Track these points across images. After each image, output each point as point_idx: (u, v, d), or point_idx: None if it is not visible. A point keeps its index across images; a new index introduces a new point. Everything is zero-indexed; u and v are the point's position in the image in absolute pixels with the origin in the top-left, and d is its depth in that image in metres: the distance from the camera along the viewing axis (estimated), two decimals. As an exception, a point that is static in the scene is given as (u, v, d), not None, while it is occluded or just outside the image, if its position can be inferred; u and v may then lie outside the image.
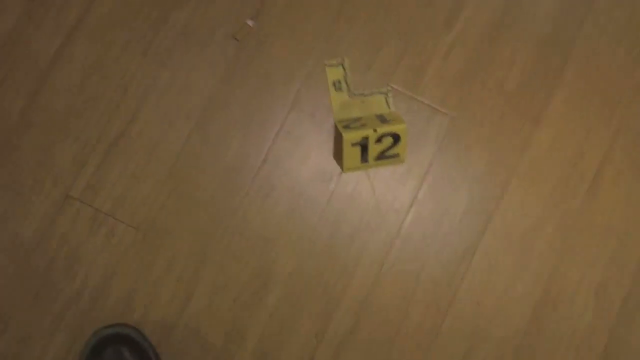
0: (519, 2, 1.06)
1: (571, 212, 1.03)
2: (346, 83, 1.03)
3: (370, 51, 1.04)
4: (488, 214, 1.03)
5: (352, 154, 0.95)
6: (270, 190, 1.02)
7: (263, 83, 1.02)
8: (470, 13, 1.05)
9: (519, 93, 1.04)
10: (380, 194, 1.03)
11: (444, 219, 1.03)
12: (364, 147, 0.95)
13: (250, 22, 1.02)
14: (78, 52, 1.02)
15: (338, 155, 1.00)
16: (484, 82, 1.04)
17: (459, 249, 1.02)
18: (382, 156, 0.97)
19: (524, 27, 1.05)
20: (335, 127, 1.01)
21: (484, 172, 1.03)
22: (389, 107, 1.03)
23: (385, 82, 1.03)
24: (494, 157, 1.03)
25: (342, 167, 0.97)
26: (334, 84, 1.03)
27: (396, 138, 0.95)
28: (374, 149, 0.96)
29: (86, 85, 1.02)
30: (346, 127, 0.96)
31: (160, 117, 1.02)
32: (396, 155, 0.97)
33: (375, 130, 0.94)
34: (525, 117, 1.04)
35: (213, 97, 1.02)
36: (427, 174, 1.03)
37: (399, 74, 1.04)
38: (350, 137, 0.94)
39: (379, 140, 0.95)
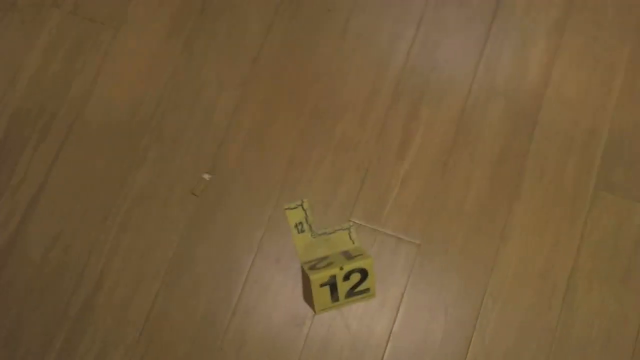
0: (466, 126, 1.09)
1: (550, 327, 1.03)
2: (308, 224, 1.04)
3: (328, 189, 1.06)
4: (467, 338, 1.02)
5: (321, 294, 0.95)
6: (243, 343, 1.00)
7: (225, 234, 1.03)
8: (421, 141, 1.08)
9: (480, 212, 1.06)
10: (355, 331, 1.02)
11: (423, 349, 1.02)
12: (332, 286, 0.95)
13: (206, 176, 1.04)
14: (36, 229, 1.03)
15: (308, 297, 1.00)
16: (444, 206, 1.06)
17: (442, 378, 1.01)
18: (352, 293, 0.97)
19: (474, 148, 1.08)
20: (302, 269, 1.01)
21: (457, 296, 1.03)
22: (353, 242, 1.04)
23: (347, 218, 1.05)
24: (465, 279, 1.04)
25: (313, 309, 0.96)
26: (296, 227, 1.04)
27: (364, 273, 0.96)
28: (343, 287, 0.96)
29: (47, 259, 1.02)
30: (312, 267, 0.97)
31: (126, 280, 1.01)
32: (366, 290, 0.97)
33: (341, 268, 0.95)
34: (489, 235, 1.05)
35: (177, 255, 1.02)
36: (400, 305, 1.03)
37: (359, 208, 1.05)
38: (318, 277, 0.94)
39: (346, 277, 0.95)
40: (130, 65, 1.09)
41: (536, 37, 1.12)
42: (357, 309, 1.03)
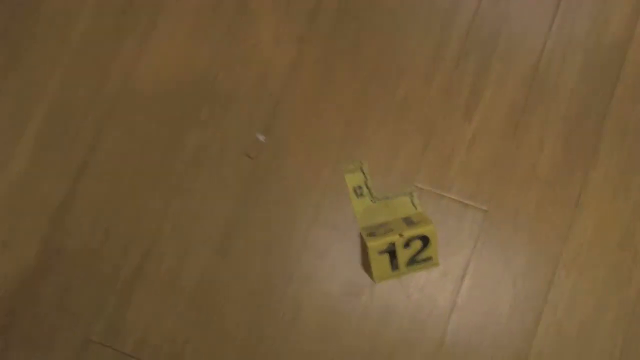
0: (540, 83, 1.02)
1: (629, 301, 0.96)
2: (367, 188, 0.99)
3: (389, 151, 1.00)
4: (537, 311, 0.96)
5: (380, 262, 0.91)
6: (299, 310, 0.97)
7: (281, 198, 0.99)
8: (490, 100, 1.01)
9: (553, 177, 0.99)
10: (416, 302, 0.97)
11: (489, 323, 0.96)
12: (392, 253, 0.91)
13: (261, 137, 1.00)
14: (87, 192, 1.01)
15: (367, 266, 0.95)
16: (514, 169, 0.99)
17: (508, 353, 0.95)
18: (413, 261, 0.92)
19: (548, 107, 1.01)
20: (361, 236, 0.96)
21: (526, 266, 0.97)
22: (416, 208, 0.98)
23: (409, 182, 0.99)
24: (535, 248, 0.97)
25: (372, 278, 0.92)
26: (354, 191, 0.99)
27: (425, 241, 0.91)
28: (403, 255, 0.91)
29: (98, 223, 1.00)
30: (371, 234, 0.92)
31: (177, 246, 0.99)
32: (429, 259, 0.92)
33: (401, 235, 0.89)
34: (563, 201, 0.98)
35: (230, 220, 0.99)
36: (465, 275, 0.97)
37: (423, 172, 1.00)
38: (376, 245, 0.90)
39: (407, 245, 0.90)
40: (183, 23, 1.05)
41: (619, -14, 1.03)
42: (418, 278, 0.98)
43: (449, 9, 1.04)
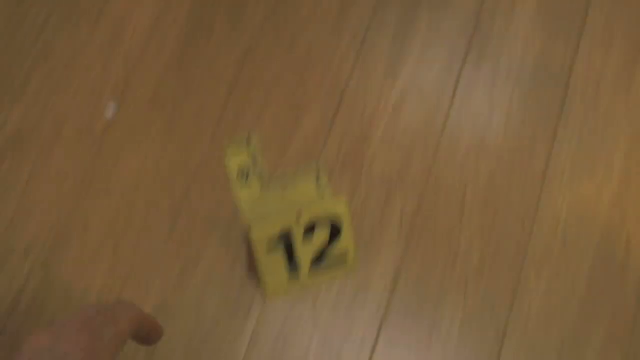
0: (482, 33, 0.78)
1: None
2: (257, 169, 0.72)
3: (287, 121, 0.75)
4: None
5: (272, 266, 0.63)
6: (152, 351, 0.69)
7: (130, 187, 0.73)
8: (418, 52, 0.78)
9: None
10: (324, 329, 0.70)
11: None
12: (288, 249, 0.63)
13: (112, 108, 0.74)
14: None
15: (255, 275, 0.68)
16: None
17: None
18: (320, 262, 0.64)
19: (496, 61, 0.77)
20: (246, 234, 0.70)
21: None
22: (323, 191, 0.72)
23: (313, 159, 0.74)
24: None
25: (264, 294, 0.64)
26: (239, 175, 0.72)
27: (335, 228, 0.64)
28: (304, 252, 0.63)
29: None
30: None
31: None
32: (342, 258, 0.64)
33: (299, 218, 0.62)
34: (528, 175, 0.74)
35: (64, 220, 0.72)
36: (395, 285, 0.71)
37: (333, 144, 0.74)
38: (261, 236, 0.62)
39: (308, 233, 0.63)
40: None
41: None
42: (330, 288, 0.71)
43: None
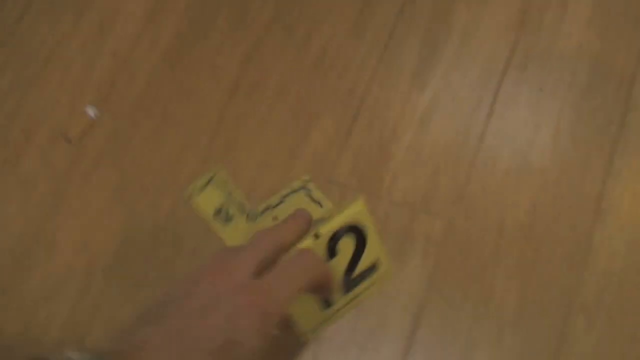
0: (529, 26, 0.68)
1: None
2: (234, 203, 0.60)
3: (291, 134, 0.65)
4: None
5: (302, 301, 0.52)
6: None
7: (105, 209, 0.63)
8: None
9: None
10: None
11: None
12: None
13: (91, 112, 0.65)
14: None
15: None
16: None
17: None
18: (353, 280, 0.52)
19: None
20: None
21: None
22: (321, 205, 0.61)
23: (323, 176, 0.64)
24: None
25: (298, 333, 0.53)
26: (216, 217, 0.60)
27: (358, 233, 0.52)
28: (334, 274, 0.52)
29: None
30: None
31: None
32: (373, 267, 0.52)
33: (316, 237, 0.51)
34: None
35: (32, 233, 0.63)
36: (416, 327, 0.60)
37: (345, 160, 0.64)
38: None
39: (332, 253, 0.51)
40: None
41: None
42: (341, 326, 0.61)
43: None
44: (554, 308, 0.60)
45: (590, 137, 0.66)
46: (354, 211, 0.52)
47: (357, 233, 0.52)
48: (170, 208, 0.63)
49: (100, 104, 0.66)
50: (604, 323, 0.60)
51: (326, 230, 0.51)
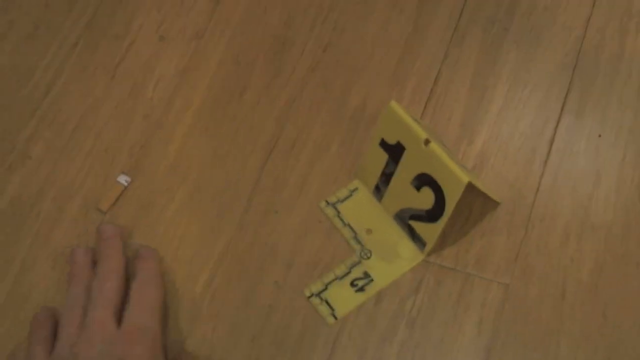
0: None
1: None
2: (362, 255, 0.62)
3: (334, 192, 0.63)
4: None
5: (373, 156, 0.63)
6: None
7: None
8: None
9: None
10: None
11: None
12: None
13: (123, 180, 0.64)
14: None
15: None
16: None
17: None
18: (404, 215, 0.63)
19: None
20: None
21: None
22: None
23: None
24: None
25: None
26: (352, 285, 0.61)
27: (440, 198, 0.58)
28: (400, 183, 0.62)
29: None
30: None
31: None
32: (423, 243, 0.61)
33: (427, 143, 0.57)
34: None
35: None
36: None
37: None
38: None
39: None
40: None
41: None
42: None
43: None
44: (626, 380, 0.56)
45: (658, 186, 0.61)
46: (462, 178, 0.55)
47: (440, 198, 0.57)
48: (205, 282, 0.61)
49: (132, 171, 0.65)
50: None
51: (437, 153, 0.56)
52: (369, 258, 0.61)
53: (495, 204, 0.62)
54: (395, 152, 0.59)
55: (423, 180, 0.58)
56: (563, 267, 0.59)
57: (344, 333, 0.58)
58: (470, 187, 0.56)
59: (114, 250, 0.57)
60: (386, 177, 0.61)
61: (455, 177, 0.55)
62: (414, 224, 0.60)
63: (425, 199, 0.58)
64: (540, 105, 0.66)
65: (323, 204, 0.63)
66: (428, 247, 0.60)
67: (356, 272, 0.60)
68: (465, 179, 0.54)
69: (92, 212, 0.63)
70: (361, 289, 0.60)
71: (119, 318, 0.53)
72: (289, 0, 0.73)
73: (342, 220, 0.63)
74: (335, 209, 0.63)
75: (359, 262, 0.61)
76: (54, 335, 0.53)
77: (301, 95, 0.68)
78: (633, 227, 0.60)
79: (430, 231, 0.59)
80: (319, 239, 0.62)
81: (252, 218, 0.63)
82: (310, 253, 0.62)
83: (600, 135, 0.64)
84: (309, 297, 0.59)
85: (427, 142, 0.56)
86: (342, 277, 0.60)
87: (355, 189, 0.64)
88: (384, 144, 0.60)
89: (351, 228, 0.62)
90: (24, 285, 0.61)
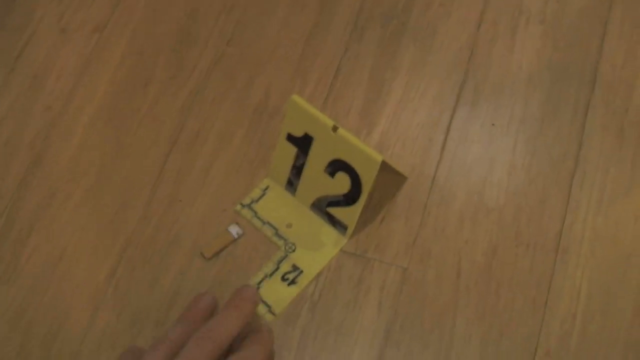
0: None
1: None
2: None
3: (239, 184, 0.65)
4: None
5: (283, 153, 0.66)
6: None
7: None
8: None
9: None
10: None
11: None
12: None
13: (234, 231, 0.64)
14: None
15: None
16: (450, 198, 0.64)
17: None
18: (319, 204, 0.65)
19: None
20: None
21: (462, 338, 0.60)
22: None
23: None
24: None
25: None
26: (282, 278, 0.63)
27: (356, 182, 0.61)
28: (314, 173, 0.64)
29: None
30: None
31: None
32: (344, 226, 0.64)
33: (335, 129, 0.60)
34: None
35: None
36: None
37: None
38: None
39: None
40: None
41: None
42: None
43: None
44: (518, 355, 0.60)
45: (546, 172, 0.66)
46: (376, 157, 0.58)
47: (356, 182, 0.60)
48: (109, 271, 0.62)
49: (33, 164, 0.66)
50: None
51: (347, 138, 0.59)
52: (294, 251, 0.63)
53: (399, 182, 0.66)
54: (303, 143, 0.62)
55: (337, 167, 0.61)
56: (458, 250, 0.63)
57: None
58: (382, 166, 0.59)
59: (240, 314, 0.51)
60: (297, 169, 0.64)
61: (369, 157, 0.58)
62: (332, 210, 0.63)
63: (341, 184, 0.61)
64: (437, 96, 0.70)
65: (238, 207, 0.65)
66: (349, 230, 0.63)
67: (285, 267, 0.63)
68: (379, 157, 0.57)
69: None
70: (293, 282, 0.62)
71: None
72: (194, -7, 0.75)
73: (260, 219, 0.65)
74: (252, 209, 0.65)
75: (285, 256, 0.63)
76: None
77: (204, 88, 0.70)
78: (523, 210, 0.65)
79: (349, 214, 0.62)
80: (224, 227, 0.65)
81: (156, 208, 0.65)
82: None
83: (493, 124, 0.69)
84: None
85: (335, 128, 0.59)
86: (271, 274, 0.63)
87: (267, 187, 0.66)
88: (291, 138, 0.62)
89: (271, 225, 0.65)
90: None
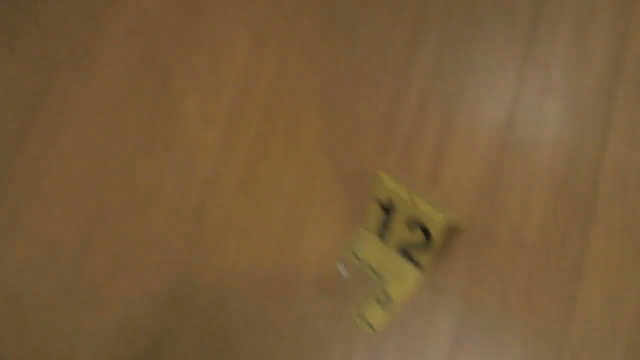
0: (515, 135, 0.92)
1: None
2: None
3: (341, 232, 0.90)
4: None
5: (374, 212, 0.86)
6: None
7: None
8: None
9: (544, 243, 0.87)
10: None
11: None
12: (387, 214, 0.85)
13: (343, 271, 0.91)
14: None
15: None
16: (497, 237, 0.88)
17: None
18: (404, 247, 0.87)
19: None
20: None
21: (522, 355, 0.83)
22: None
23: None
24: (532, 333, 0.84)
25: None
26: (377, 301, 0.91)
27: (427, 235, 0.83)
28: (398, 232, 0.86)
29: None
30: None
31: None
32: (418, 263, 0.87)
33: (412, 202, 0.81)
34: (560, 272, 0.85)
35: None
36: None
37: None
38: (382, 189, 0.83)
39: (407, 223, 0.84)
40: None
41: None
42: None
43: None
44: None
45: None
46: (437, 221, 0.80)
47: (428, 234, 0.82)
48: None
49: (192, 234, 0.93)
50: None
51: (419, 206, 0.80)
52: (386, 284, 0.89)
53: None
54: (388, 206, 0.84)
55: (413, 224, 0.83)
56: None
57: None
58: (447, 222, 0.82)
59: None
60: (384, 224, 0.87)
61: (434, 220, 0.80)
62: (413, 253, 0.87)
63: (418, 236, 0.84)
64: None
65: (344, 249, 0.91)
66: (426, 269, 0.88)
67: (379, 294, 0.88)
68: (443, 220, 0.80)
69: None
70: (385, 306, 0.87)
71: None
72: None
73: (360, 260, 0.90)
74: (356, 255, 0.90)
75: (379, 287, 0.89)
76: None
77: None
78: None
79: (425, 257, 0.86)
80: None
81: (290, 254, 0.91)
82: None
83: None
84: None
85: (410, 196, 0.82)
86: (370, 299, 0.88)
87: (364, 235, 0.92)
88: (378, 201, 0.85)
89: (369, 265, 0.90)
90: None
